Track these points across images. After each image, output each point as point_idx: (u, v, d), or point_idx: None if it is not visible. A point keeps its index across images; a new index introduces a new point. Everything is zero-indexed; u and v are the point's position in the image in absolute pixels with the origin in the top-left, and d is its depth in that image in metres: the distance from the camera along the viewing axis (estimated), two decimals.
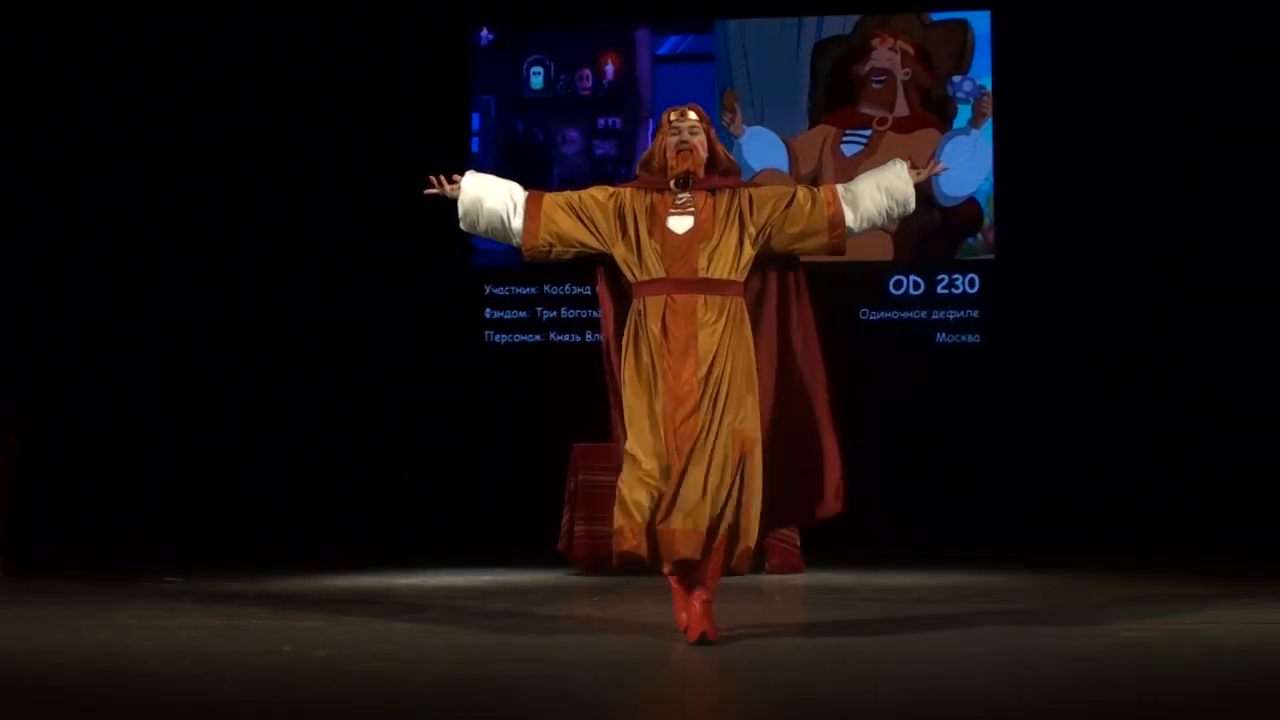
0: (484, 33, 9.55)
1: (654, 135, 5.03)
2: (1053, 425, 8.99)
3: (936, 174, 5.11)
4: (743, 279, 4.76)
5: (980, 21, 9.23)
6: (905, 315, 9.21)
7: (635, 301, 4.76)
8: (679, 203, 4.77)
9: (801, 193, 4.85)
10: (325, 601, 5.91)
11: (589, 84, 9.49)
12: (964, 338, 9.21)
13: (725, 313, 4.69)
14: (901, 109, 9.28)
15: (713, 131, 4.91)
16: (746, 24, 9.40)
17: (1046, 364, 9.05)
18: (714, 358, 4.65)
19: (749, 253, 4.76)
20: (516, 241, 4.92)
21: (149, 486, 9.12)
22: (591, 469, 7.37)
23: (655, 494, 4.64)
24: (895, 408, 8.67)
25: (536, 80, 9.51)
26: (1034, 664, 4.32)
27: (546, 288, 9.42)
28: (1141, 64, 9.02)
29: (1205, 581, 6.38)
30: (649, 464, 4.63)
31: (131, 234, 9.39)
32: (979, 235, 9.16)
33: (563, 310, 9.41)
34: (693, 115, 4.85)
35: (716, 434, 4.60)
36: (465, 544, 8.51)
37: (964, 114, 9.20)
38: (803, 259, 4.93)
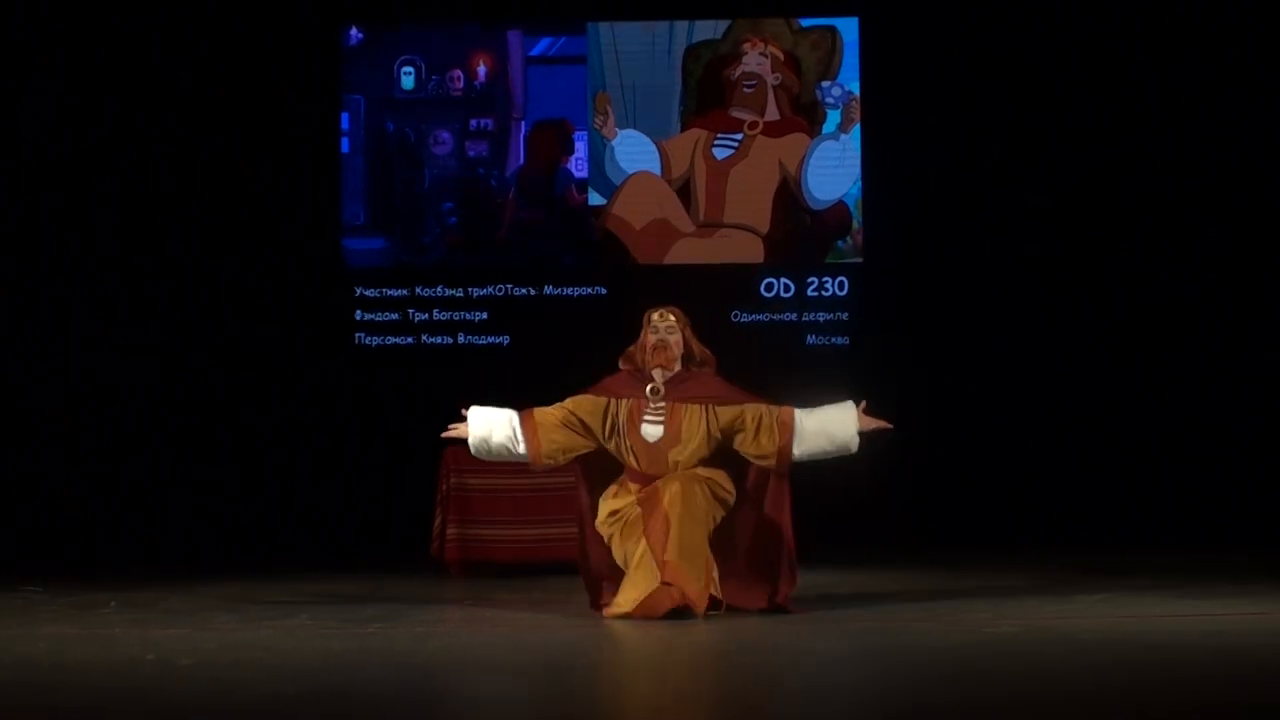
0: (353, 31, 9.44)
1: (639, 332, 5.82)
2: (920, 427, 9.12)
3: (884, 430, 5.92)
4: (708, 458, 5.65)
5: (848, 28, 9.36)
6: (776, 317, 9.30)
7: (625, 473, 5.68)
8: (653, 411, 5.65)
9: (764, 419, 5.66)
10: (190, 609, 5.80)
11: (460, 85, 9.44)
12: (834, 340, 9.32)
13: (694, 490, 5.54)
14: (772, 113, 9.37)
15: (688, 330, 5.77)
16: (618, 27, 9.42)
17: (914, 366, 9.19)
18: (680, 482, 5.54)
19: (712, 448, 5.65)
20: (525, 461, 5.77)
21: (3, 492, 8.87)
22: (463, 472, 7.34)
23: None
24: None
25: (407, 80, 9.43)
26: (902, 662, 4.39)
27: (418, 290, 9.35)
28: (1007, 69, 9.20)
29: (1068, 576, 6.54)
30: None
31: None
32: (848, 239, 9.28)
33: (434, 312, 9.34)
34: (671, 317, 5.74)
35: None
36: (334, 549, 8.40)
37: (833, 119, 9.32)
38: None
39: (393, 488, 8.64)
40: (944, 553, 7.85)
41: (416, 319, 9.33)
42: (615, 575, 5.63)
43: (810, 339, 9.29)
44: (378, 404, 9.20)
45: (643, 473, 5.65)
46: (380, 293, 9.33)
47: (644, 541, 5.42)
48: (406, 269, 9.34)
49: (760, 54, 9.37)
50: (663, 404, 5.64)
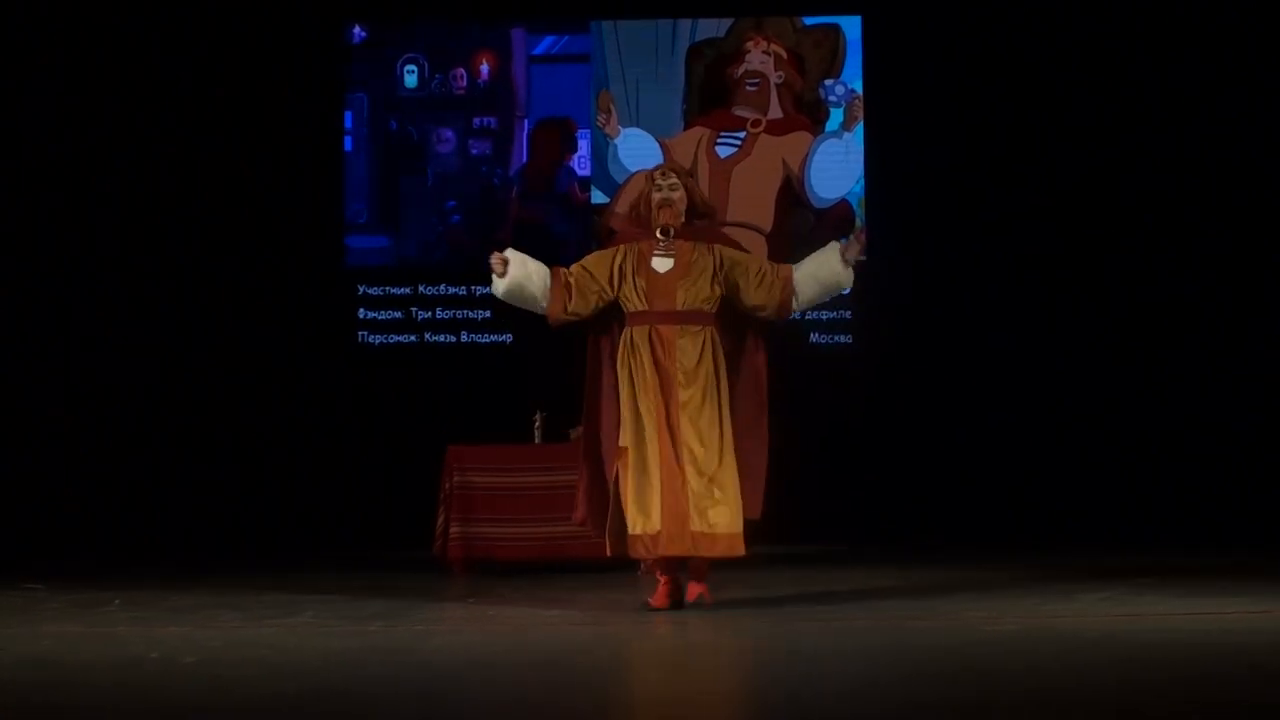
0: (357, 30, 9.45)
1: (645, 182, 5.87)
2: (924, 425, 9.13)
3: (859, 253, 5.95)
4: (713, 311, 5.70)
5: (851, 26, 9.36)
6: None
7: (626, 330, 5.72)
8: (661, 247, 5.70)
9: (766, 273, 5.72)
10: (193, 607, 5.81)
11: (464, 83, 9.44)
12: (837, 338, 9.32)
13: (700, 346, 5.63)
14: (775, 112, 9.37)
15: (690, 181, 5.87)
16: (621, 25, 9.42)
17: (917, 364, 9.20)
18: (690, 394, 5.60)
19: (718, 291, 5.69)
20: (542, 313, 5.83)
21: (4, 488, 8.88)
22: (466, 470, 7.35)
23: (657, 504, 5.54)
24: (768, 408, 8.72)
25: (410, 79, 9.44)
26: (903, 660, 4.40)
27: (421, 288, 9.36)
28: (1010, 68, 9.20)
29: (1069, 574, 6.54)
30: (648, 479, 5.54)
31: None
32: (851, 237, 9.26)
33: (437, 311, 9.35)
34: (673, 175, 5.78)
35: (694, 453, 5.57)
36: (337, 547, 8.42)
37: (836, 117, 9.32)
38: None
39: (395, 486, 8.65)
40: (945, 551, 7.85)
41: (419, 317, 9.34)
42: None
43: (813, 337, 9.29)
44: (380, 402, 9.21)
45: (649, 311, 5.64)
46: (383, 291, 9.34)
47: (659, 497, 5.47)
48: (409, 267, 9.35)
49: (763, 52, 9.37)
50: (670, 242, 5.70)
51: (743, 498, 5.63)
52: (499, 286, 5.76)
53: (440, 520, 7.35)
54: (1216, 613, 5.34)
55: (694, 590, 5.64)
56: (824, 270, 5.76)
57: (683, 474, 5.52)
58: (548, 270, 5.77)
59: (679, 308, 5.63)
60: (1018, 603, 5.69)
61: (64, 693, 3.94)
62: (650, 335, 5.64)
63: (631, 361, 5.66)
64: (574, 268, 5.79)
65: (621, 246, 5.78)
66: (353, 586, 6.55)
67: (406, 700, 3.83)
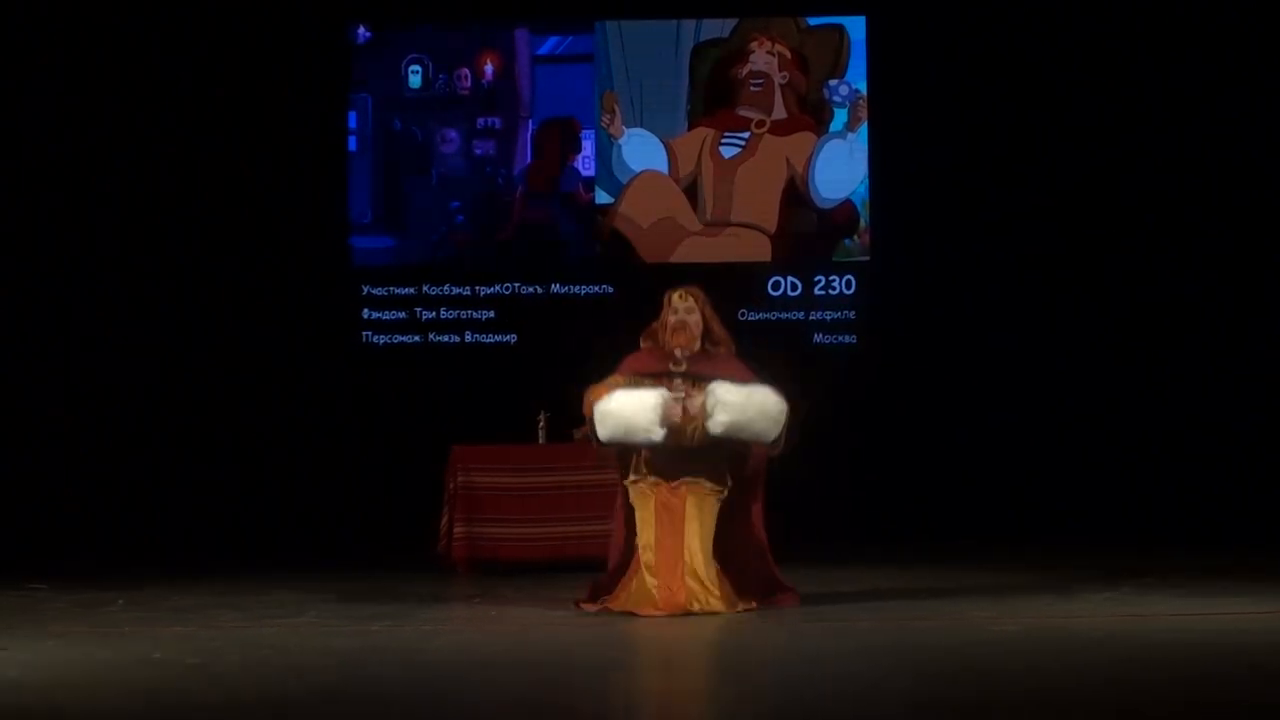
0: (361, 30, 9.45)
1: (659, 312, 5.97)
2: (928, 425, 9.13)
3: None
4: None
5: (856, 27, 9.35)
6: (783, 316, 9.29)
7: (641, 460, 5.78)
8: (675, 388, 5.74)
9: None
10: (196, 607, 5.81)
11: (468, 83, 9.44)
12: (841, 338, 9.32)
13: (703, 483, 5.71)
14: (779, 112, 9.36)
15: (708, 309, 5.92)
16: (626, 25, 9.42)
17: (921, 364, 9.19)
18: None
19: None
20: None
21: (9, 489, 8.90)
22: (471, 470, 7.35)
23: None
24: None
25: (414, 79, 9.44)
26: (905, 660, 4.39)
27: (425, 288, 9.36)
28: (1014, 68, 9.20)
29: (1073, 574, 6.54)
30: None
31: None
32: (855, 237, 9.28)
33: (442, 311, 9.35)
34: (691, 299, 5.88)
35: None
36: (341, 547, 8.42)
37: (840, 117, 9.31)
38: None
39: (399, 486, 8.65)
40: (948, 551, 7.85)
41: (424, 317, 9.34)
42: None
43: (817, 337, 9.29)
44: (385, 402, 9.22)
45: (663, 449, 5.69)
46: (387, 291, 9.35)
47: (647, 575, 5.56)
48: (414, 267, 9.35)
49: (768, 53, 9.36)
50: (683, 381, 5.76)
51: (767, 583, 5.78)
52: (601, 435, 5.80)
53: (444, 520, 7.35)
54: (1220, 613, 5.34)
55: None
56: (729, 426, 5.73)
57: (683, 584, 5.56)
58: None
59: (689, 445, 5.69)
60: (1021, 603, 5.69)
61: (66, 692, 3.94)
62: (657, 484, 5.73)
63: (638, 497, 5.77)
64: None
65: (646, 378, 5.83)
66: (356, 586, 6.55)
67: (410, 700, 3.83)
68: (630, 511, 5.80)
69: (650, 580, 5.55)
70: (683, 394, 5.73)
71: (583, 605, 5.69)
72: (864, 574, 6.83)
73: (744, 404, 5.67)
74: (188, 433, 9.15)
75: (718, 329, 5.94)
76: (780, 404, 5.73)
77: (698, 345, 5.84)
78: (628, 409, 5.66)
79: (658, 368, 5.83)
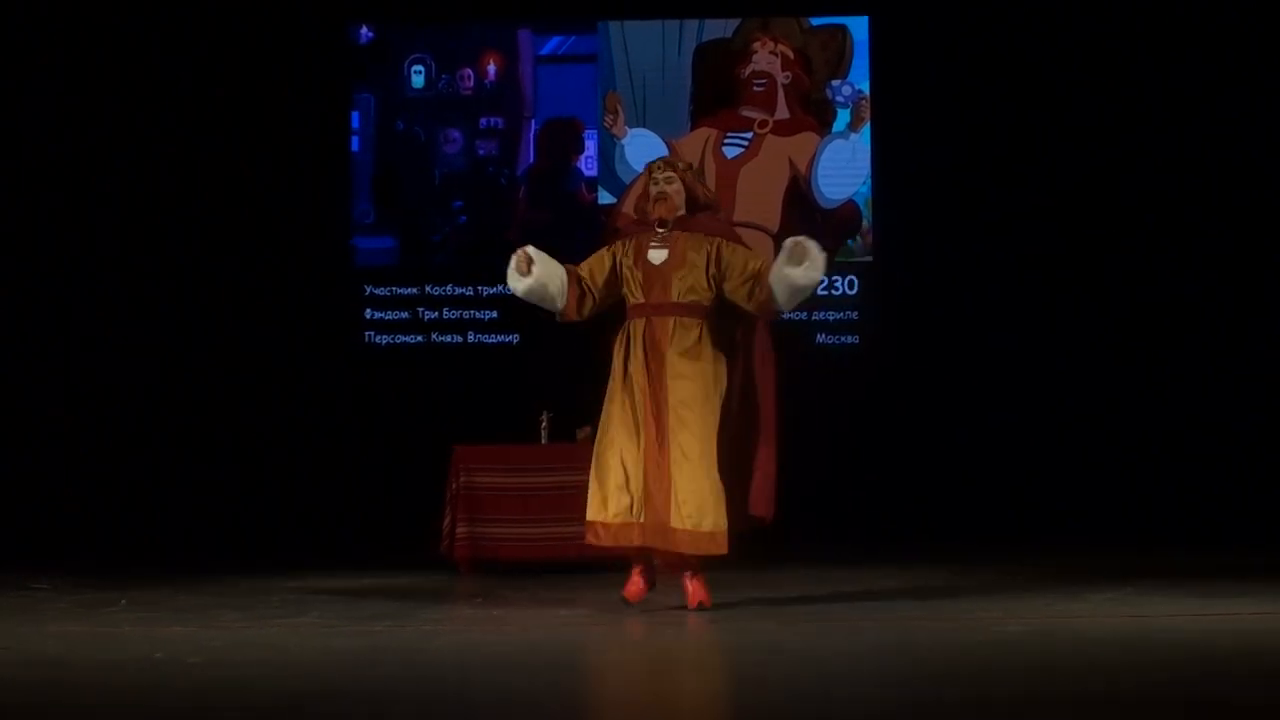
0: (364, 30, 9.46)
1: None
2: (930, 425, 9.13)
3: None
4: (711, 304, 5.62)
5: (859, 27, 9.35)
6: (786, 316, 9.23)
7: (626, 322, 5.69)
8: (657, 239, 5.67)
9: (752, 272, 5.59)
10: (198, 607, 5.81)
11: (471, 83, 9.44)
12: (843, 339, 9.31)
13: (696, 339, 5.56)
14: (782, 112, 9.36)
15: (690, 175, 5.79)
16: (629, 25, 9.42)
17: (924, 365, 9.19)
18: (680, 386, 5.52)
19: (713, 285, 5.62)
20: (557, 314, 5.83)
21: (11, 488, 8.90)
22: (473, 470, 7.34)
23: (628, 494, 5.51)
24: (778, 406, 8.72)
25: (417, 79, 9.44)
26: (914, 660, 4.39)
27: (428, 288, 9.36)
28: (1017, 69, 9.20)
29: (1075, 574, 6.53)
30: (619, 469, 5.51)
31: None
32: (858, 238, 9.27)
33: (444, 311, 9.35)
34: (670, 168, 5.75)
35: (682, 446, 5.47)
36: (343, 547, 8.42)
37: (843, 118, 9.31)
38: None
39: (401, 486, 8.65)
40: (951, 551, 7.84)
41: (426, 317, 9.34)
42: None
43: (820, 337, 9.29)
44: (387, 402, 9.22)
45: (645, 303, 5.61)
46: (390, 291, 9.35)
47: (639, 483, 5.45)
48: (416, 267, 9.35)
49: (770, 53, 9.36)
50: (665, 232, 5.68)
51: (751, 495, 5.58)
52: (520, 284, 5.70)
53: (446, 520, 7.35)
54: (1224, 614, 5.33)
55: (694, 597, 5.51)
56: (784, 280, 5.56)
57: (668, 468, 5.43)
58: (564, 269, 5.74)
59: (674, 299, 5.57)
60: (1023, 603, 5.68)
61: (69, 692, 3.94)
62: (645, 327, 5.59)
63: (627, 352, 5.62)
64: (584, 268, 5.76)
65: (619, 241, 5.79)
66: (358, 586, 6.55)
67: (412, 700, 3.83)
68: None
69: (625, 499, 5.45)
70: (666, 247, 5.60)
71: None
72: (865, 574, 6.82)
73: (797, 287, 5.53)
74: (190, 433, 9.15)
75: (702, 191, 5.81)
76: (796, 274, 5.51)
77: (681, 212, 5.71)
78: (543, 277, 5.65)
79: (640, 230, 5.75)
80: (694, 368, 5.53)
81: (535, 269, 5.66)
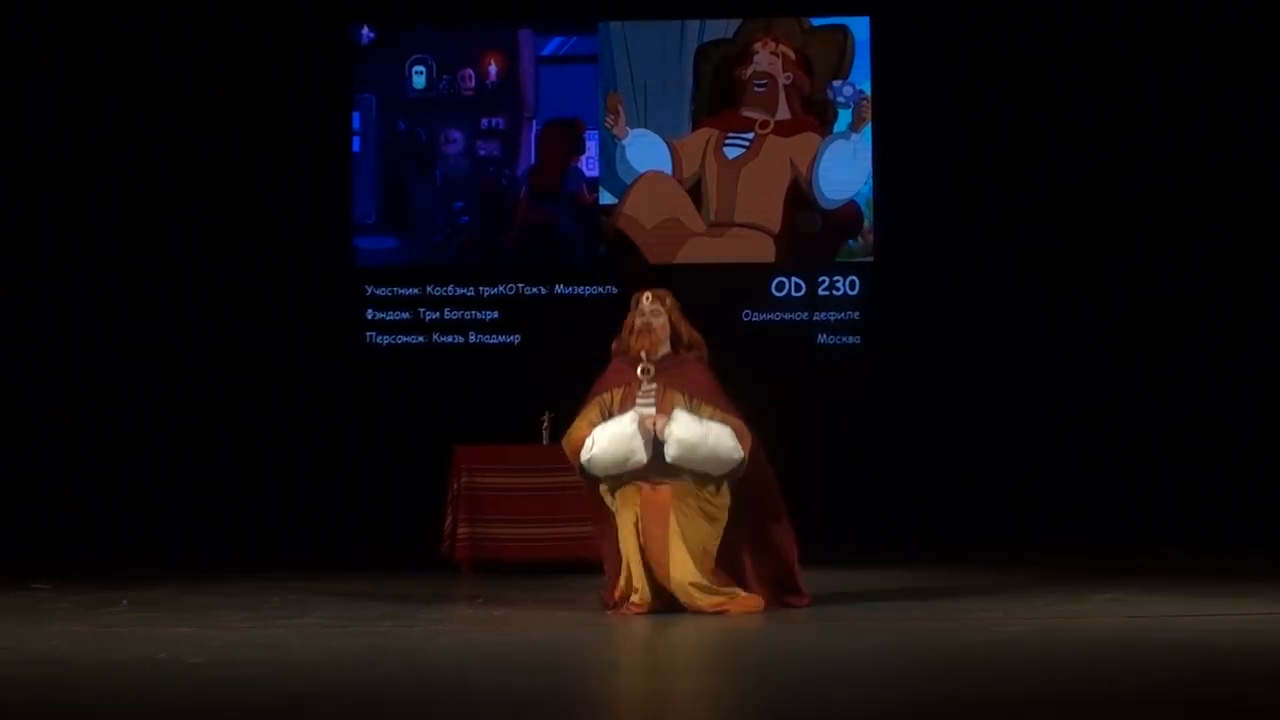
0: (365, 31, 9.46)
1: (628, 314, 5.91)
2: (931, 426, 9.13)
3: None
4: None
5: (860, 27, 9.35)
6: (787, 317, 9.29)
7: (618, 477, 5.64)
8: (644, 394, 5.66)
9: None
10: (200, 607, 5.81)
11: (472, 84, 9.45)
12: (845, 339, 9.31)
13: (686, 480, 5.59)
14: (783, 112, 9.36)
15: (676, 312, 5.82)
16: (630, 26, 9.42)
17: (925, 365, 9.19)
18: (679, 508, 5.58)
19: None
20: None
21: (14, 489, 8.90)
22: (474, 471, 7.35)
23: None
24: (776, 408, 8.73)
25: (418, 80, 9.44)
26: (916, 660, 4.39)
27: (429, 288, 9.36)
28: (1019, 69, 9.19)
29: (1076, 574, 6.53)
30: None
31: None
32: (859, 238, 9.27)
33: (446, 311, 9.35)
34: (658, 302, 5.77)
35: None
36: (345, 547, 8.42)
37: (844, 118, 9.31)
38: None
39: (403, 486, 8.65)
40: (952, 551, 7.84)
41: (427, 318, 9.34)
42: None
43: (821, 338, 9.29)
44: (388, 403, 9.22)
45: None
46: (391, 291, 9.35)
47: (639, 556, 5.50)
48: (417, 268, 9.35)
49: (771, 53, 9.36)
50: (653, 387, 5.66)
51: (782, 585, 5.71)
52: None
53: (448, 521, 7.35)
54: (1225, 614, 5.33)
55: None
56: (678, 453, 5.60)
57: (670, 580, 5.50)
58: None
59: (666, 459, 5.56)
60: (1024, 603, 5.68)
61: (71, 693, 3.94)
62: (639, 493, 5.58)
63: (622, 501, 5.64)
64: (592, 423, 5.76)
65: (612, 392, 5.76)
66: (360, 587, 6.55)
67: (413, 700, 3.83)
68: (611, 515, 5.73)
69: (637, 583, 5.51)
70: (652, 403, 5.63)
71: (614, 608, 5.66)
72: (867, 574, 6.82)
73: (697, 444, 5.56)
74: (192, 433, 9.15)
75: (687, 332, 5.83)
76: (735, 450, 5.58)
77: (665, 348, 5.74)
78: (611, 449, 5.59)
79: (628, 378, 5.73)
80: (691, 499, 5.58)
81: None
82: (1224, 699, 3.79)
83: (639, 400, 5.65)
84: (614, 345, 5.88)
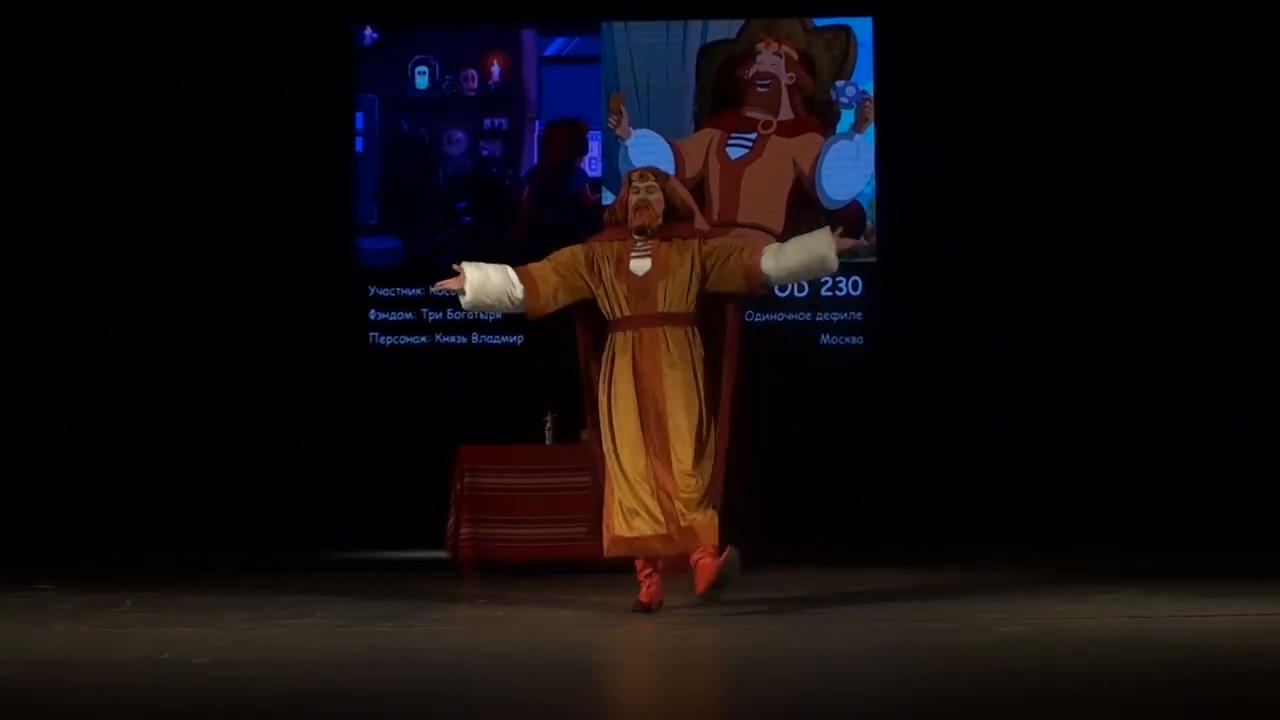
0: (368, 31, 9.47)
1: (619, 189, 5.81)
2: (933, 426, 9.13)
3: (848, 248, 5.78)
4: (693, 309, 5.59)
5: (862, 28, 9.36)
6: (790, 317, 9.30)
7: (609, 337, 5.61)
8: (639, 248, 5.58)
9: (740, 248, 5.64)
10: (203, 608, 5.82)
11: (474, 84, 9.46)
12: (847, 339, 9.32)
13: (684, 346, 5.54)
14: (786, 113, 9.37)
15: (669, 183, 5.74)
16: (633, 26, 9.43)
17: (927, 365, 9.20)
18: (674, 396, 5.52)
19: (696, 285, 5.58)
20: (521, 309, 5.66)
21: (18, 489, 8.92)
22: (477, 471, 7.35)
23: (646, 508, 5.52)
24: (779, 409, 8.76)
25: (421, 80, 9.45)
26: (917, 660, 4.39)
27: (432, 289, 9.35)
28: (1021, 69, 9.20)
29: (1078, 574, 6.53)
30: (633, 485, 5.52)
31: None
32: (862, 238, 9.28)
33: (448, 312, 9.37)
34: (651, 177, 5.68)
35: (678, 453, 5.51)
36: (347, 547, 8.43)
37: (847, 118, 9.32)
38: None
39: (406, 487, 8.67)
40: (955, 551, 7.84)
41: (430, 318, 9.35)
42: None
43: (824, 338, 9.30)
44: (391, 403, 9.23)
45: (631, 316, 5.54)
46: (394, 292, 9.36)
47: (646, 483, 5.45)
48: (420, 268, 9.36)
49: (774, 54, 9.37)
50: (649, 243, 5.59)
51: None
52: (464, 298, 5.63)
53: (451, 521, 7.36)
54: (1226, 614, 5.33)
55: (709, 571, 5.45)
56: (812, 241, 5.60)
57: (671, 477, 5.46)
58: (507, 267, 5.63)
59: (661, 309, 5.53)
60: (1027, 603, 5.68)
61: (74, 693, 3.95)
62: (634, 341, 5.53)
63: (614, 369, 5.57)
64: (543, 265, 5.63)
65: (594, 245, 5.65)
66: (362, 587, 6.56)
67: (416, 700, 3.84)
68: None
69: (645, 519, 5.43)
70: (648, 253, 5.52)
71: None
72: (868, 574, 6.82)
73: (802, 260, 5.54)
74: (195, 434, 9.17)
75: (681, 200, 5.78)
76: (820, 242, 5.54)
77: (660, 221, 5.62)
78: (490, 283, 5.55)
79: (619, 237, 5.62)
80: (683, 375, 5.53)
81: (467, 273, 5.57)
82: (1224, 699, 3.79)
83: (633, 254, 5.56)
84: (607, 216, 5.80)
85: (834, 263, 5.65)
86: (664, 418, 5.51)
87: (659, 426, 5.51)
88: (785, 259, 5.57)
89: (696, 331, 5.60)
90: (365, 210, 9.42)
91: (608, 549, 5.61)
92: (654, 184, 5.67)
